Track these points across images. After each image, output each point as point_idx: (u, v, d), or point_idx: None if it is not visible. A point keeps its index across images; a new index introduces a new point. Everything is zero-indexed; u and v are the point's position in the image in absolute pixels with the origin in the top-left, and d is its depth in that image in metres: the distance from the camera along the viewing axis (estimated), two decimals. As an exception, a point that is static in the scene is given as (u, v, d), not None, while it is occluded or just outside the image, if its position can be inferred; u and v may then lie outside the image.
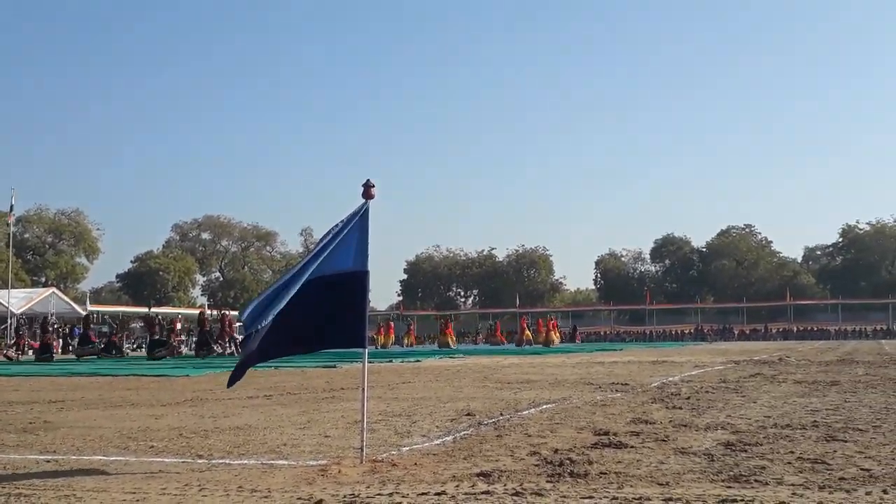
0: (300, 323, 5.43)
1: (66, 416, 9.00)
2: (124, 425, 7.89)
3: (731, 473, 4.80)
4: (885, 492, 4.27)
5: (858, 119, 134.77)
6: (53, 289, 57.45)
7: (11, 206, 53.23)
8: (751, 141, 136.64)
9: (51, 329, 34.91)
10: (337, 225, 5.60)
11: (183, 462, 5.61)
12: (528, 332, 47.28)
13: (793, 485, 4.48)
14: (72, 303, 55.54)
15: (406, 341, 54.17)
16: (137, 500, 4.32)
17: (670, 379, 13.91)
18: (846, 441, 6.08)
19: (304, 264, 5.54)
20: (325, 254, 5.48)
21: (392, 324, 52.17)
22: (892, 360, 20.43)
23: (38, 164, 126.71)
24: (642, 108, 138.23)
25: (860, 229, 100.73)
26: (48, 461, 5.77)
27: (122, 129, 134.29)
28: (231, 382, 5.68)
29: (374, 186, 5.61)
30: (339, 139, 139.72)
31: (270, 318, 5.40)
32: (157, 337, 32.71)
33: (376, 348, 44.79)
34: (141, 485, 4.77)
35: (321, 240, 5.67)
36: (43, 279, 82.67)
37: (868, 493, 4.24)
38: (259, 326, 5.46)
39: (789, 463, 5.17)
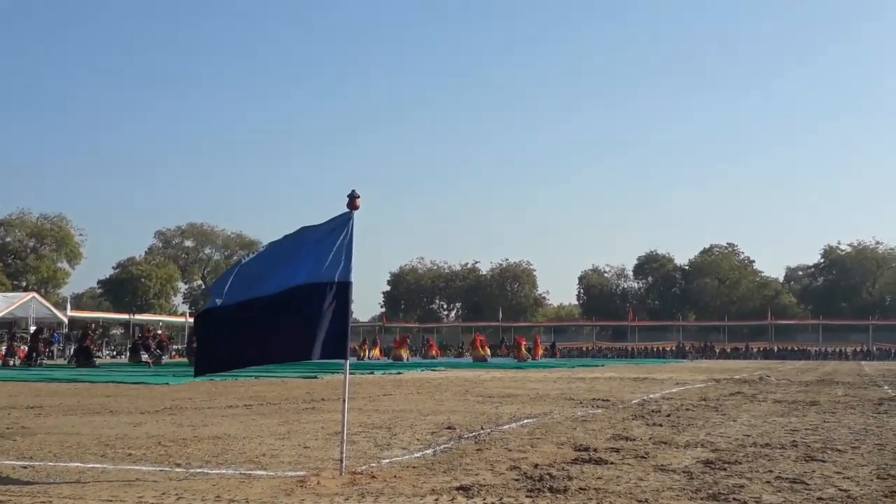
0: (281, 332, 5.42)
1: (43, 422, 8.94)
2: (102, 432, 7.84)
3: (710, 491, 4.81)
4: (862, 512, 4.29)
5: (843, 141, 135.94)
6: (34, 293, 57.01)
7: (-7, 210, 52.97)
8: (735, 160, 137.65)
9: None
10: (320, 227, 5.59)
11: (160, 470, 5.58)
12: (523, 348, 46.95)
13: (771, 504, 4.50)
14: (52, 308, 55.09)
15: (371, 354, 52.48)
16: (114, 509, 4.29)
17: (651, 396, 13.95)
18: (825, 461, 6.11)
19: (283, 264, 5.52)
20: (308, 262, 5.47)
21: (398, 338, 50.17)
22: (872, 382, 20.56)
23: (21, 168, 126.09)
24: (628, 126, 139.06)
25: (842, 251, 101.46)
26: (25, 467, 5.73)
27: (107, 133, 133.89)
28: (199, 373, 5.72)
29: (359, 197, 5.61)
30: (325, 149, 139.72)
31: (240, 306, 5.42)
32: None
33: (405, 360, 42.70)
34: (118, 493, 4.74)
35: (301, 240, 5.62)
36: (24, 284, 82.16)
37: (846, 514, 4.26)
38: (226, 301, 5.45)
39: (768, 482, 5.19)
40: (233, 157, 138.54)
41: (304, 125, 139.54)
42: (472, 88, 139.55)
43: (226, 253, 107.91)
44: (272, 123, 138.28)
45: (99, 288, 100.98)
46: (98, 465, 5.77)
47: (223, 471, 5.55)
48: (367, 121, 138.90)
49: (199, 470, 5.58)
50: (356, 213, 5.59)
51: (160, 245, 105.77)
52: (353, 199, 5.59)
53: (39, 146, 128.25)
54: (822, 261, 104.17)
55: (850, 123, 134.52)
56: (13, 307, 49.59)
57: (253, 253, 6.00)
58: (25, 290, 66.76)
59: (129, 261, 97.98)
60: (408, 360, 41.98)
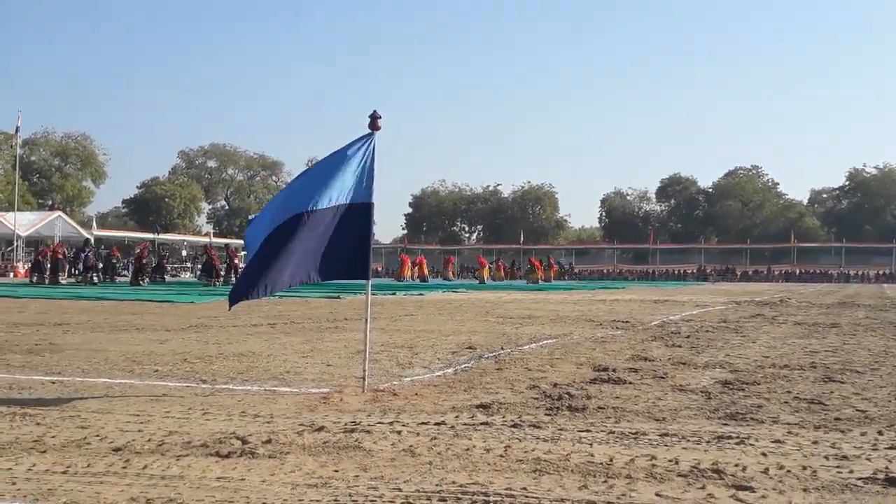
0: (305, 253, 5.42)
1: (71, 338, 9.10)
2: (129, 349, 7.97)
3: (728, 411, 4.85)
4: (880, 433, 4.31)
5: (869, 63, 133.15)
6: (59, 212, 57.39)
7: (17, 128, 53.02)
8: (760, 82, 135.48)
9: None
10: (341, 151, 5.55)
11: (187, 386, 5.69)
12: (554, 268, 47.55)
13: (788, 423, 4.53)
14: (78, 227, 55.58)
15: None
16: (141, 422, 4.39)
17: (671, 318, 13.99)
18: (843, 382, 6.14)
19: (307, 189, 5.50)
20: (331, 184, 5.45)
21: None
22: (893, 304, 20.50)
23: (46, 87, 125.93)
24: (652, 47, 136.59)
25: (867, 173, 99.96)
26: (54, 382, 5.85)
27: (132, 54, 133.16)
28: (232, 303, 5.67)
29: (380, 118, 5.57)
30: (348, 70, 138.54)
31: (269, 236, 5.42)
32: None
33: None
34: (145, 407, 4.84)
35: (325, 165, 5.60)
36: (49, 202, 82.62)
37: (863, 434, 4.28)
38: (259, 245, 5.46)
39: (786, 402, 5.22)
40: (255, 77, 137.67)
41: (327, 45, 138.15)
42: (496, 8, 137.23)
43: (248, 173, 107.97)
44: (295, 44, 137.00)
45: (124, 207, 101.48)
46: (125, 381, 5.89)
47: (248, 387, 5.65)
48: (391, 41, 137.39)
49: (224, 386, 5.69)
50: (378, 135, 5.56)
51: (183, 165, 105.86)
52: (374, 120, 5.55)
53: (65, 66, 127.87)
54: (846, 183, 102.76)
55: (877, 46, 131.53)
56: (39, 225, 50.06)
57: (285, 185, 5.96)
58: (51, 208, 67.05)
59: (153, 180, 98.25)
60: None
